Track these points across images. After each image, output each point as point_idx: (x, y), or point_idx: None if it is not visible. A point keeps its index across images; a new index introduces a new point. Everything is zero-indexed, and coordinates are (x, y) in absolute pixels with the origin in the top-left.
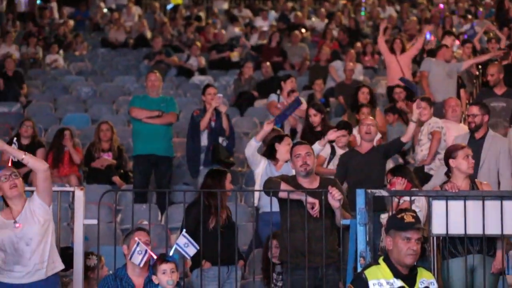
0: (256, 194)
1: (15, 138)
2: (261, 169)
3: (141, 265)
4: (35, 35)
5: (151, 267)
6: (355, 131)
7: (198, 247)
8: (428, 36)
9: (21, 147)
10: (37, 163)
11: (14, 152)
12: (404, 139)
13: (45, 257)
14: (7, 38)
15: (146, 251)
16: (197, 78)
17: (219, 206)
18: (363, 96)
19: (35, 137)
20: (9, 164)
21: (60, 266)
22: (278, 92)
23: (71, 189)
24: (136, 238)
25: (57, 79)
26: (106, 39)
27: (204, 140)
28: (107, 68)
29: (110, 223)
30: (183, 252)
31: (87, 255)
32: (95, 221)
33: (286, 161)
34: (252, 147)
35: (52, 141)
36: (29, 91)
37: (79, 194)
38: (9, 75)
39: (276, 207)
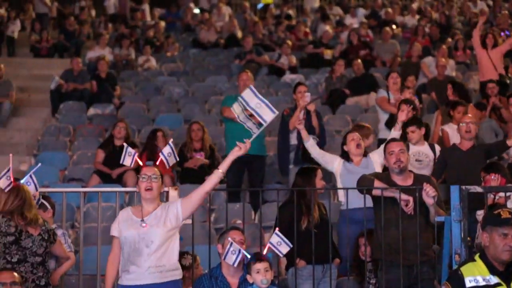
0: (341, 191)
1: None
2: (338, 166)
3: (235, 264)
4: (127, 37)
5: (245, 266)
6: (447, 127)
7: (291, 245)
8: None
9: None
10: (214, 184)
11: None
12: (510, 142)
13: (163, 262)
14: (100, 41)
15: (239, 250)
16: (288, 77)
17: (312, 203)
18: (450, 91)
19: (128, 138)
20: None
21: (179, 275)
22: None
23: (166, 189)
24: (230, 238)
25: (149, 80)
26: (197, 40)
27: (293, 139)
28: (198, 69)
29: (204, 222)
30: (277, 251)
31: (182, 254)
32: (189, 221)
33: (365, 156)
34: (311, 148)
35: (146, 142)
36: (122, 92)
37: (174, 194)
38: (102, 77)
39: (357, 204)
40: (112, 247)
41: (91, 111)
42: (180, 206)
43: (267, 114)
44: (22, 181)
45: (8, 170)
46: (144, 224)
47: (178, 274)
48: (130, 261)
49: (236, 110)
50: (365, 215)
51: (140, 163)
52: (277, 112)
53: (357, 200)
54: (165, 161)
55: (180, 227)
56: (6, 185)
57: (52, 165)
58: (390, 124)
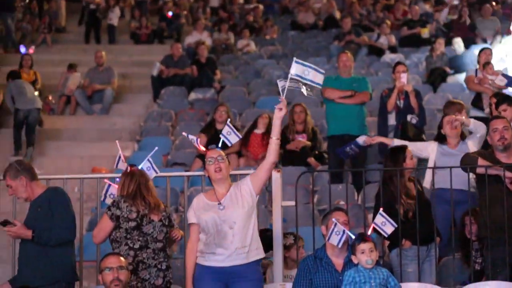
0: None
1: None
2: (432, 151)
3: (339, 245)
4: (226, 21)
5: (350, 247)
6: None
7: (396, 225)
8: None
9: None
10: (275, 153)
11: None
12: None
13: (247, 241)
14: (198, 26)
15: (344, 231)
16: (388, 57)
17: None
18: None
19: (230, 122)
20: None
21: (261, 254)
22: (476, 65)
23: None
24: (334, 219)
25: (249, 64)
26: (296, 22)
27: (392, 119)
28: (297, 51)
29: (307, 204)
30: (381, 231)
31: (284, 235)
32: (292, 203)
33: (462, 139)
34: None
35: (250, 125)
36: (222, 76)
37: (277, 177)
38: (202, 61)
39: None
40: (190, 235)
41: (192, 95)
42: (250, 182)
43: (318, 77)
44: (140, 166)
45: (120, 156)
46: (221, 207)
47: (261, 253)
48: (216, 244)
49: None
50: (469, 194)
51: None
52: (323, 71)
53: (448, 181)
54: (226, 141)
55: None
56: (125, 168)
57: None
58: (476, 103)
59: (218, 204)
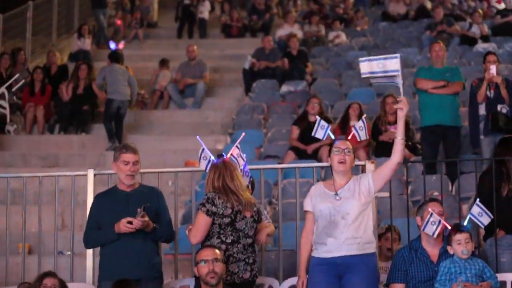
0: None
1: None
2: None
3: (435, 235)
4: (316, 13)
5: (445, 238)
6: None
7: (492, 216)
8: None
9: None
10: (400, 153)
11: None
12: None
13: (359, 233)
14: (288, 18)
15: (439, 221)
16: (481, 46)
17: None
18: None
19: (322, 114)
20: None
21: (373, 249)
22: None
23: (362, 163)
24: (430, 209)
25: (340, 55)
26: (387, 13)
27: (482, 110)
28: (389, 42)
29: (401, 195)
30: (478, 222)
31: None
32: (387, 194)
33: None
34: None
35: (342, 116)
36: (314, 68)
37: (370, 168)
38: (293, 54)
39: None
40: (305, 223)
41: (284, 88)
42: (372, 179)
43: (393, 64)
44: (229, 154)
45: (203, 151)
46: (338, 197)
47: (373, 247)
48: (326, 233)
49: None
50: None
51: (333, 136)
52: (398, 55)
53: None
54: (356, 134)
55: (376, 200)
56: (205, 165)
57: (247, 143)
58: None
59: (335, 194)
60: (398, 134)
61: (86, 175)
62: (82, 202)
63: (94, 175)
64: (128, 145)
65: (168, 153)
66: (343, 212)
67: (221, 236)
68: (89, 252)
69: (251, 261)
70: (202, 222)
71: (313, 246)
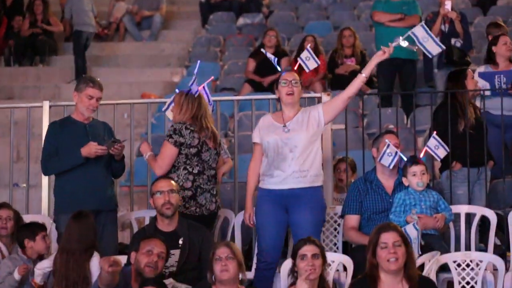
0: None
1: None
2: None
3: (391, 166)
4: None
5: (400, 170)
6: None
7: (448, 150)
8: None
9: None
10: (357, 88)
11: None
12: None
13: (306, 166)
14: None
15: (396, 153)
16: None
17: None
18: None
19: (279, 46)
20: None
21: (320, 182)
22: None
23: (318, 95)
24: (386, 140)
25: None
26: None
27: None
28: None
29: (356, 128)
30: (434, 154)
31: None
32: (342, 126)
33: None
34: None
35: (298, 50)
36: (271, 1)
37: (326, 99)
38: None
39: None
40: (253, 154)
41: (241, 21)
42: (322, 111)
43: (434, 49)
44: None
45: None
46: (286, 129)
47: (321, 180)
48: (274, 166)
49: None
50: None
51: (279, 68)
52: (443, 47)
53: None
54: (303, 65)
55: (332, 132)
56: (169, 103)
57: (204, 76)
58: None
59: (283, 126)
60: (365, 70)
61: (41, 107)
62: (37, 134)
63: (50, 106)
64: (96, 80)
65: (124, 86)
66: (291, 145)
67: (188, 167)
68: (45, 184)
69: (214, 192)
70: (168, 153)
71: (260, 178)
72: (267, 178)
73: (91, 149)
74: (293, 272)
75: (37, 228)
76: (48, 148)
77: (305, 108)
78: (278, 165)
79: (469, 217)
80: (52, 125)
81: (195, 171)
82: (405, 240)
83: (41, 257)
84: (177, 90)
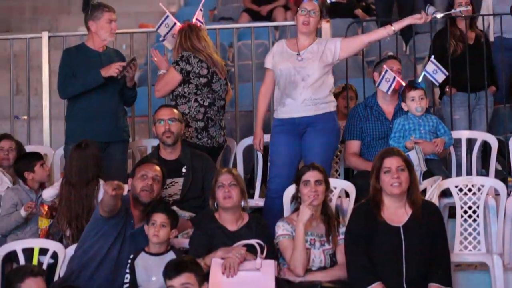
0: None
1: None
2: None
3: (389, 92)
4: None
5: (400, 95)
6: None
7: (447, 73)
8: None
9: None
10: (379, 37)
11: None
12: None
13: (318, 95)
14: None
15: (394, 78)
16: None
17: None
18: None
19: None
20: None
21: (333, 108)
22: None
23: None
24: (385, 66)
25: None
26: None
27: None
28: None
29: (356, 55)
30: (432, 79)
31: None
32: None
33: None
34: None
35: None
36: None
37: (325, 26)
38: None
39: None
40: (264, 80)
41: None
42: (339, 46)
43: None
44: (194, 20)
45: (167, 17)
46: (300, 58)
47: (333, 106)
48: (286, 94)
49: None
50: None
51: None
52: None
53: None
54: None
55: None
56: (166, 33)
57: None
58: None
59: (297, 54)
60: (396, 25)
61: (40, 37)
62: (36, 66)
63: (49, 37)
64: (107, 4)
65: (121, 16)
66: (303, 74)
67: (198, 98)
68: (46, 115)
69: (223, 124)
70: (171, 79)
71: (274, 107)
72: (280, 107)
73: (111, 67)
74: (297, 198)
75: (34, 158)
76: (65, 71)
77: (322, 38)
78: (290, 93)
79: (470, 142)
80: (67, 51)
81: (206, 103)
82: (409, 165)
83: (42, 186)
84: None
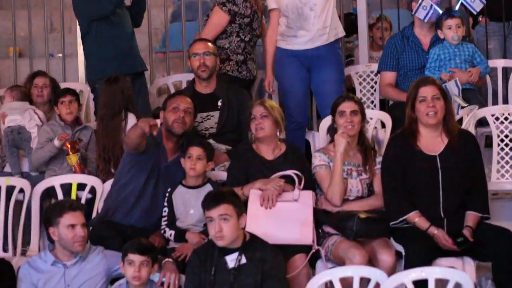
0: None
1: None
2: None
3: (426, 20)
4: None
5: (437, 25)
6: None
7: (484, 2)
8: None
9: None
10: None
11: None
12: None
13: (328, 22)
14: None
15: (431, 6)
16: None
17: None
18: None
19: None
20: None
21: (341, 33)
22: None
23: None
24: None
25: None
26: None
27: None
28: None
29: None
30: (469, 7)
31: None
32: None
33: None
34: None
35: None
36: None
37: None
38: None
39: None
40: (270, 22)
41: None
42: None
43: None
44: None
45: None
46: None
47: (341, 32)
48: (297, 26)
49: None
50: None
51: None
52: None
53: None
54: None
55: None
56: None
57: None
58: None
59: None
60: None
61: None
62: (69, 5)
63: None
64: None
65: None
66: (310, 4)
67: (240, 34)
68: (80, 52)
69: (255, 58)
70: (219, 19)
71: (280, 38)
72: (291, 38)
73: None
74: (333, 129)
75: (68, 93)
76: None
77: None
78: (302, 26)
79: (506, 71)
80: None
81: (247, 39)
82: (444, 94)
83: (78, 121)
84: None
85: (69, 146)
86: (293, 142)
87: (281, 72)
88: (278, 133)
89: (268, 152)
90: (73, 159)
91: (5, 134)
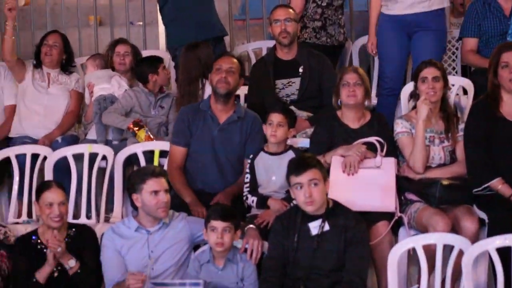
0: None
1: None
2: None
3: None
4: None
5: None
6: None
7: None
8: None
9: None
10: None
11: None
12: None
13: None
14: None
15: None
16: None
17: None
18: None
19: None
20: None
21: (445, 3)
22: None
23: None
24: None
25: None
26: None
27: None
28: None
29: None
30: None
31: None
32: None
33: None
34: None
35: None
36: None
37: None
38: None
39: None
40: None
41: None
42: None
43: None
44: None
45: None
46: None
47: (445, 2)
48: None
49: None
50: None
51: None
52: None
53: None
54: None
55: None
56: None
57: None
58: None
59: None
60: None
61: None
62: None
63: None
64: None
65: None
66: None
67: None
68: (160, 20)
69: (342, 23)
70: None
71: (383, 3)
72: (391, 3)
73: None
74: (415, 96)
75: (156, 60)
76: None
77: None
78: None
79: None
80: None
81: (324, 3)
82: None
83: (161, 90)
84: None
85: (132, 127)
86: (383, 108)
87: (380, 37)
88: (366, 102)
89: (354, 120)
90: (141, 135)
91: (97, 102)
